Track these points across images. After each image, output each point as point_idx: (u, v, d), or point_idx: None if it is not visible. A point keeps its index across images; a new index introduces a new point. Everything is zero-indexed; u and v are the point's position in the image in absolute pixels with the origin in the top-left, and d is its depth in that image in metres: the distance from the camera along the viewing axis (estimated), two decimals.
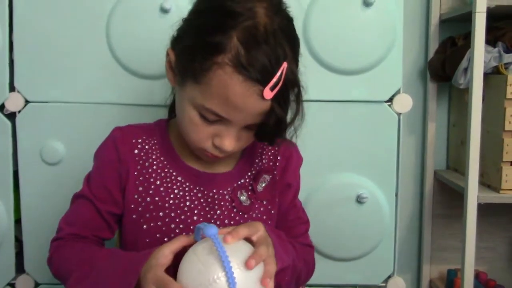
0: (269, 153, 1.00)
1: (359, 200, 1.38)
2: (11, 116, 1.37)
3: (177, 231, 0.91)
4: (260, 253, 0.76)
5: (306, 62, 1.30)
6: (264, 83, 0.78)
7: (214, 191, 0.94)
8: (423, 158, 1.76)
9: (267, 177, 0.97)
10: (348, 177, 1.41)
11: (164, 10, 1.29)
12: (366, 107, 1.39)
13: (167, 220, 0.91)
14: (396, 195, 1.44)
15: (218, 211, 0.93)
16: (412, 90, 1.68)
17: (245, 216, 0.94)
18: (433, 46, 1.69)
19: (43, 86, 1.35)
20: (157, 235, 0.90)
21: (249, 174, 0.97)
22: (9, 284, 1.42)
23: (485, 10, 1.39)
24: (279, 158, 0.99)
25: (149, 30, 1.31)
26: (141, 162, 0.93)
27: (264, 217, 0.96)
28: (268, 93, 0.79)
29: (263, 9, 0.81)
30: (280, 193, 0.99)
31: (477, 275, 1.67)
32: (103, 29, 1.33)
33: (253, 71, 0.78)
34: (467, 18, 1.45)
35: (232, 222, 0.93)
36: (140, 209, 0.91)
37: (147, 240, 0.91)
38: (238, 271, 0.72)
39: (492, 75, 1.51)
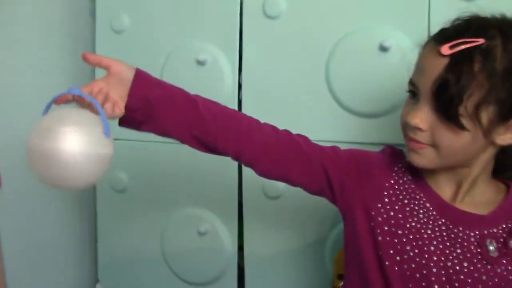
0: None
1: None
2: None
3: (411, 254, 0.89)
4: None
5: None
6: (445, 43, 0.82)
7: (460, 228, 0.89)
8: None
9: None
10: None
11: (383, 49, 1.29)
12: None
13: (404, 240, 0.91)
14: None
15: (459, 250, 0.88)
16: None
17: (488, 266, 0.87)
18: None
19: None
20: (390, 251, 0.91)
21: (504, 226, 0.90)
22: None
23: None
24: None
25: (369, 69, 1.32)
26: (392, 181, 0.96)
27: (511, 277, 0.87)
28: (446, 49, 0.81)
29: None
30: None
31: None
32: (322, 69, 1.38)
33: (441, 34, 0.85)
34: None
35: (471, 268, 0.87)
36: (379, 219, 0.93)
37: (380, 253, 0.92)
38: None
39: None
